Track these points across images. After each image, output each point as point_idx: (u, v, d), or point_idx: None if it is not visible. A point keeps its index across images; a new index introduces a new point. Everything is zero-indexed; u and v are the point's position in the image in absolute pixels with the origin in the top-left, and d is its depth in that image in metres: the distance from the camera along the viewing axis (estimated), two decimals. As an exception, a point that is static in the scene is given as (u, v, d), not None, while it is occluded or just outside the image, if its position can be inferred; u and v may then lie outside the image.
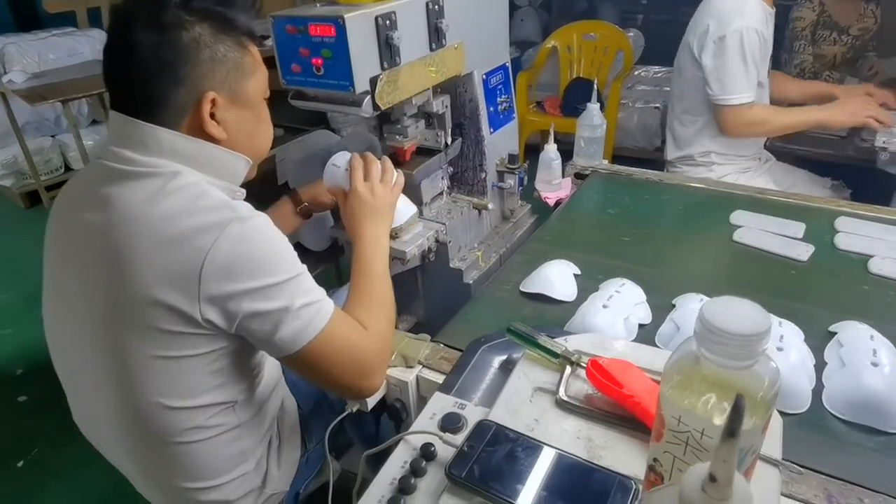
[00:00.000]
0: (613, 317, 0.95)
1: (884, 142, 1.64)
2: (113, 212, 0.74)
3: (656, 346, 0.94)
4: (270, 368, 0.94)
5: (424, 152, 1.45)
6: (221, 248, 0.71)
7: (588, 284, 1.10)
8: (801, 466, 0.69)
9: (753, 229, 1.27)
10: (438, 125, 1.42)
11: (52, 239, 0.86)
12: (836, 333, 0.93)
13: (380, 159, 1.24)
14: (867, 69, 2.33)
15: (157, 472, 0.86)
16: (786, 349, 0.85)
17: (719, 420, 0.45)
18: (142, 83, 0.76)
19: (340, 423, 0.88)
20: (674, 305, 1.01)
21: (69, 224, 0.82)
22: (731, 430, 0.32)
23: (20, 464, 1.81)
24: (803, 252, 1.19)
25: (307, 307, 0.77)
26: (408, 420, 0.92)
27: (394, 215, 1.13)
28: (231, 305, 0.73)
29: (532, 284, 1.11)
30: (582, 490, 0.57)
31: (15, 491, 1.73)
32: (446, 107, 1.39)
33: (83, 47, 3.61)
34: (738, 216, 1.32)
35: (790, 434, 0.76)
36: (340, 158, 1.16)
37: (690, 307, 0.97)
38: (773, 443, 0.63)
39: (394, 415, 0.93)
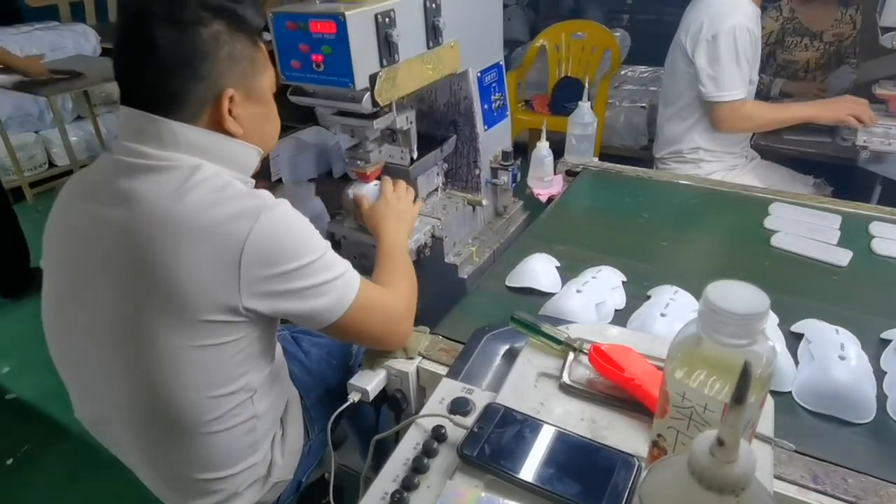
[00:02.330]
0: (670, 324, 0.94)
1: (864, 140, 1.69)
2: (137, 207, 0.75)
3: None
4: (278, 358, 0.96)
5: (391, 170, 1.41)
6: (257, 236, 0.74)
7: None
8: (793, 450, 0.72)
9: (791, 234, 1.26)
10: (403, 142, 1.39)
11: (59, 236, 0.85)
12: (889, 341, 0.93)
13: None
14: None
15: (172, 464, 0.87)
16: (847, 358, 0.85)
17: (720, 396, 0.49)
18: (161, 79, 0.77)
19: (338, 416, 0.90)
20: None
21: (83, 221, 0.81)
22: (739, 395, 0.34)
23: (9, 461, 1.80)
24: (843, 257, 1.17)
25: (339, 278, 0.82)
26: (408, 410, 0.94)
27: (413, 225, 1.26)
28: (272, 291, 0.76)
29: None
30: (588, 467, 0.60)
31: (4, 489, 1.73)
32: (411, 123, 1.36)
33: (66, 42, 3.57)
34: (772, 220, 1.32)
35: (857, 445, 0.78)
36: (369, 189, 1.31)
37: None
38: (766, 422, 0.67)
39: (394, 405, 0.95)
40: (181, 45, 0.75)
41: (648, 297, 1.04)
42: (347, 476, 1.18)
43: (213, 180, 0.77)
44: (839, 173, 1.93)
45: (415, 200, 1.28)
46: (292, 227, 0.79)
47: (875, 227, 1.27)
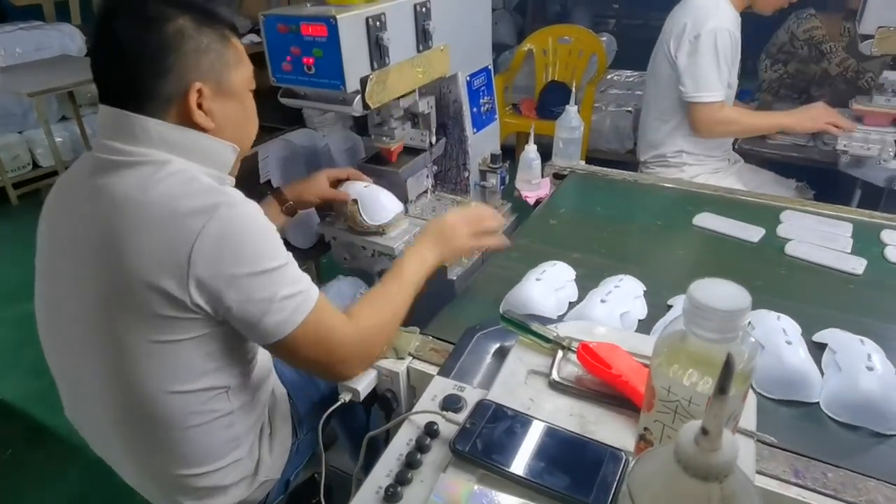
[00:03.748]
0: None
1: (844, 145, 1.73)
2: (105, 200, 0.76)
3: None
4: (263, 356, 0.96)
5: (409, 151, 1.49)
6: (211, 231, 0.73)
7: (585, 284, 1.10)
8: (771, 446, 0.74)
9: (805, 242, 1.25)
10: (424, 125, 1.45)
11: (45, 235, 0.87)
12: None
13: (362, 159, 1.42)
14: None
15: (152, 460, 0.87)
16: (875, 368, 0.84)
17: (704, 389, 0.50)
18: (129, 75, 0.78)
19: (328, 416, 0.91)
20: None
21: (62, 218, 0.83)
22: (722, 386, 0.36)
23: (-6, 465, 1.79)
24: (857, 266, 1.17)
25: (292, 298, 0.79)
26: (398, 410, 0.95)
27: (454, 259, 1.14)
28: (218, 290, 0.75)
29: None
30: (577, 461, 0.62)
31: (-10, 492, 1.71)
32: (431, 107, 1.43)
33: (51, 41, 3.54)
34: (784, 228, 1.32)
35: (887, 455, 0.79)
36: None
37: (769, 324, 0.94)
38: (748, 417, 0.69)
39: (385, 405, 0.96)
40: (145, 41, 0.77)
41: (669, 307, 1.03)
42: (335, 477, 1.18)
43: (180, 174, 0.77)
44: (820, 177, 1.97)
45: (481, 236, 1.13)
46: (250, 229, 0.77)
47: (887, 235, 1.28)
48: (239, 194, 0.79)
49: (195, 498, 0.89)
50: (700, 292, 0.49)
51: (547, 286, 1.04)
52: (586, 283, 1.10)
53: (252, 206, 0.79)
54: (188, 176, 0.78)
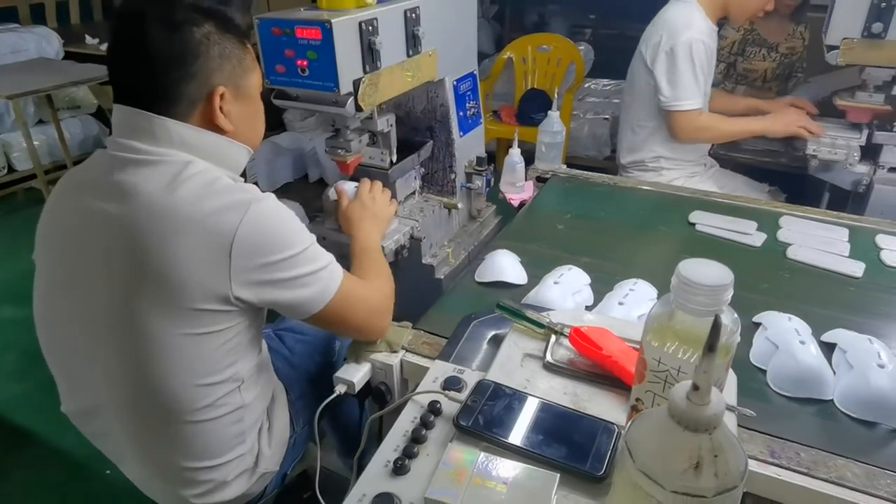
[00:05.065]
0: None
1: (814, 150, 1.81)
2: (132, 200, 0.78)
3: (752, 364, 0.95)
4: (263, 352, 0.99)
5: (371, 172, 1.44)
6: (247, 227, 0.78)
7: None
8: (749, 429, 0.79)
9: (805, 247, 1.29)
10: (383, 144, 1.42)
11: (53, 231, 0.88)
12: None
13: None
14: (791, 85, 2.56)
15: (161, 453, 0.89)
16: (885, 365, 0.86)
17: (692, 360, 0.55)
18: (154, 77, 0.80)
19: (320, 414, 0.93)
20: (757, 324, 1.02)
21: (78, 215, 0.84)
22: (711, 344, 0.40)
23: (-28, 469, 1.76)
24: (856, 269, 1.21)
25: (324, 269, 0.86)
26: (391, 402, 0.98)
27: (388, 226, 1.26)
28: (260, 280, 0.80)
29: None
30: (572, 433, 0.66)
31: (-31, 497, 1.69)
32: (391, 126, 1.39)
33: (27, 44, 3.49)
34: (784, 233, 1.35)
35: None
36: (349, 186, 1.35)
37: (782, 325, 0.97)
38: (730, 393, 0.73)
39: (378, 398, 0.99)
40: (173, 45, 0.79)
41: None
42: (324, 475, 1.20)
43: (203, 175, 0.81)
44: (792, 181, 2.06)
45: (391, 201, 1.32)
46: (280, 219, 0.83)
47: (882, 240, 1.32)
48: (257, 189, 0.84)
49: (199, 492, 0.91)
50: (688, 270, 0.54)
51: (565, 290, 1.08)
52: (599, 287, 1.13)
53: (273, 198, 0.84)
54: (212, 176, 0.81)
